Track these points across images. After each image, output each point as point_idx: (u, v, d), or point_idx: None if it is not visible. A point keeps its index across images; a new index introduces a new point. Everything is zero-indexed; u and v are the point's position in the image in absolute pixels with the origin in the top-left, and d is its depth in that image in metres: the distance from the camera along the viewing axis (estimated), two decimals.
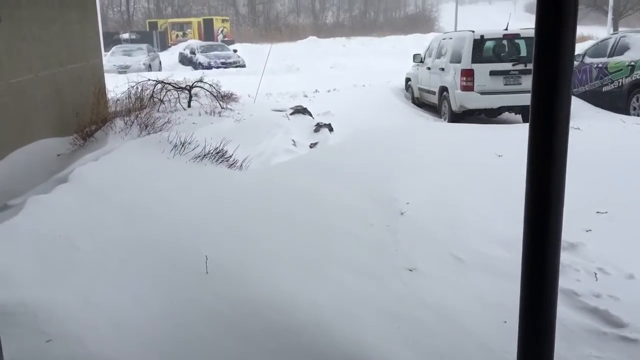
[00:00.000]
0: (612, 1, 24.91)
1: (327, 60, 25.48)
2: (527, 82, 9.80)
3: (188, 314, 2.84)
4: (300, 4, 58.05)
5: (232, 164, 5.90)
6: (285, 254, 3.67)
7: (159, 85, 9.26)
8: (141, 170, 5.03)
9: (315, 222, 4.25)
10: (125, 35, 35.03)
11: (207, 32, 38.76)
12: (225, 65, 23.67)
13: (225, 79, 12.84)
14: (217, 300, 2.97)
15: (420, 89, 12.51)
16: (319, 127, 8.89)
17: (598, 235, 3.93)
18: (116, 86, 9.87)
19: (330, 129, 8.87)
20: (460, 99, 10.12)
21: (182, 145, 5.66)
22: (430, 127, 9.49)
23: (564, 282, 2.76)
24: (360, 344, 2.66)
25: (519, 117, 10.47)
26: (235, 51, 26.90)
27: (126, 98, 8.69)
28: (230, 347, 2.61)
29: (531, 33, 10.16)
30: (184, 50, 27.81)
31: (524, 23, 19.94)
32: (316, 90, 13.56)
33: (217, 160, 5.78)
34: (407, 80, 13.64)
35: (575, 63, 10.81)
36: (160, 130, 6.53)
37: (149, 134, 6.36)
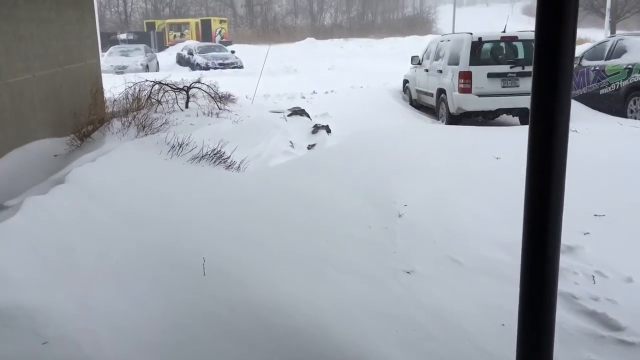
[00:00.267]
0: (609, 4, 24.97)
1: (325, 61, 25.44)
2: (524, 84, 9.80)
3: (186, 316, 2.83)
4: (298, 5, 58.06)
5: (229, 165, 5.89)
6: (283, 256, 3.67)
7: (157, 86, 9.25)
8: (139, 171, 5.01)
9: (314, 224, 4.25)
10: (123, 36, 34.97)
11: (205, 33, 38.75)
12: (223, 66, 23.63)
13: (222, 80, 12.85)
14: (216, 302, 2.96)
15: (418, 90, 12.51)
16: (316, 128, 8.88)
17: (596, 239, 3.93)
18: (113, 86, 9.84)
19: (328, 131, 8.86)
20: (458, 101, 10.12)
21: (180, 147, 5.65)
22: (428, 129, 9.48)
23: (562, 285, 2.76)
24: (358, 347, 2.66)
25: (516, 119, 10.45)
26: (233, 52, 26.86)
27: (124, 98, 8.67)
28: (228, 349, 2.60)
29: (529, 35, 10.19)
30: (182, 50, 27.77)
31: (522, 25, 20.04)
32: (314, 92, 13.54)
33: (215, 161, 5.77)
34: (405, 82, 13.64)
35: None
36: (157, 131, 6.52)
37: (146, 134, 6.35)
